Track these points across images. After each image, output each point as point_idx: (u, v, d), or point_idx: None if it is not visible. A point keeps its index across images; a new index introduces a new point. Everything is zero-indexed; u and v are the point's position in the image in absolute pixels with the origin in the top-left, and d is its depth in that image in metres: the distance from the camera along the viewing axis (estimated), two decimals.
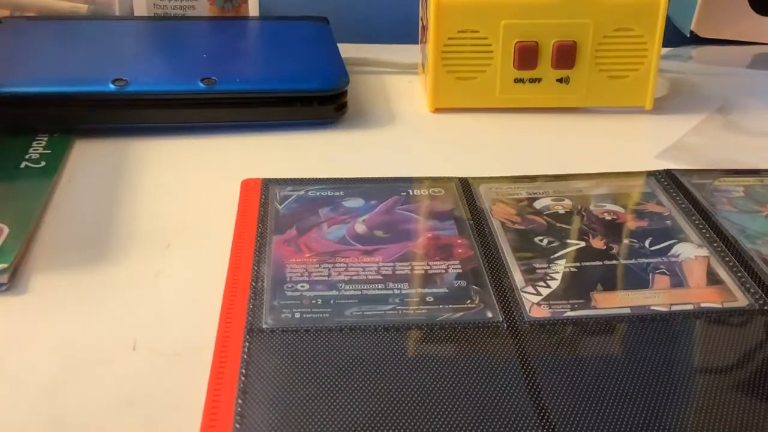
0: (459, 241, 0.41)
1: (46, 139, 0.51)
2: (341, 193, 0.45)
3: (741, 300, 0.37)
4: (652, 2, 0.55)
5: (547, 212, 0.44)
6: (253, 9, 0.66)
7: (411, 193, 0.45)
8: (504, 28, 0.55)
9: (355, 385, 0.31)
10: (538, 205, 0.45)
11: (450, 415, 0.30)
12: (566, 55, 0.56)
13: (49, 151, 0.49)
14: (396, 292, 0.37)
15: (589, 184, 0.47)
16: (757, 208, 0.45)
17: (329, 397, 0.31)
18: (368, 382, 0.32)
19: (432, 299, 0.37)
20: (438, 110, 0.58)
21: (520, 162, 0.51)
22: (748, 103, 0.61)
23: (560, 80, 0.57)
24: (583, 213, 0.44)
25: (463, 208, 0.44)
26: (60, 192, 0.46)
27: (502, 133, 0.55)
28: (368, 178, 0.47)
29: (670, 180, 0.47)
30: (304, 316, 0.35)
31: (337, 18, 0.67)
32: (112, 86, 0.52)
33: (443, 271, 0.39)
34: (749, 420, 0.30)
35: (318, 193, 0.45)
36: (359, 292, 0.37)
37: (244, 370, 0.32)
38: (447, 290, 0.37)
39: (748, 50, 0.73)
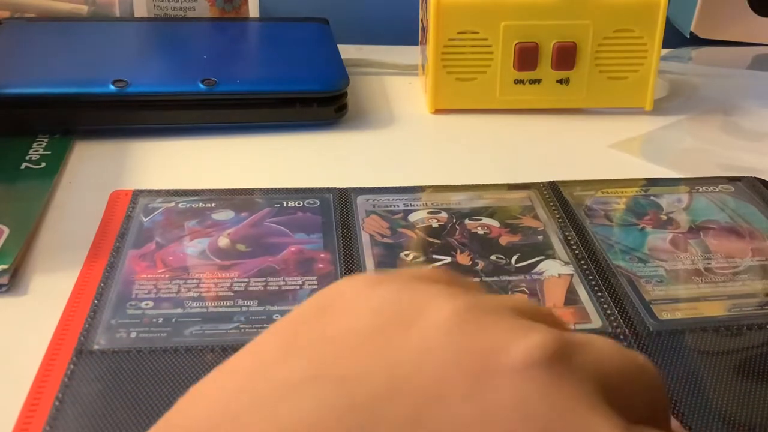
0: (322, 255, 0.39)
1: (46, 140, 0.51)
2: (212, 205, 0.43)
3: (595, 321, 0.35)
4: (651, 3, 0.55)
5: (420, 225, 0.42)
6: (253, 10, 0.66)
7: (284, 205, 0.43)
8: (504, 30, 0.55)
9: None
10: (412, 218, 0.43)
11: None
12: (566, 57, 0.56)
13: (50, 152, 0.49)
14: (243, 309, 0.35)
15: (470, 195, 0.45)
16: (634, 220, 0.43)
17: (147, 426, 0.28)
18: None
19: (279, 317, 0.33)
20: (438, 111, 0.58)
21: (520, 163, 0.51)
22: (748, 104, 0.61)
23: (560, 81, 0.57)
24: (457, 227, 0.42)
25: (335, 221, 0.42)
26: (60, 193, 0.46)
27: (502, 134, 0.55)
28: (244, 189, 0.45)
29: (551, 192, 0.46)
30: (140, 335, 0.33)
31: (337, 19, 0.67)
32: (112, 87, 0.52)
33: (298, 287, 0.37)
34: None
35: (188, 205, 0.43)
36: (204, 310, 0.35)
37: (60, 395, 0.30)
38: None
39: (748, 51, 0.73)
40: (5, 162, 0.48)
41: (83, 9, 0.67)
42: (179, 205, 0.43)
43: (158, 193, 0.45)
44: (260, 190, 0.45)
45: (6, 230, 0.40)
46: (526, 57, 0.56)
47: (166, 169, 0.49)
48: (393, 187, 0.46)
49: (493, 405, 0.18)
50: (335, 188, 0.45)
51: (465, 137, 0.55)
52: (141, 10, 0.66)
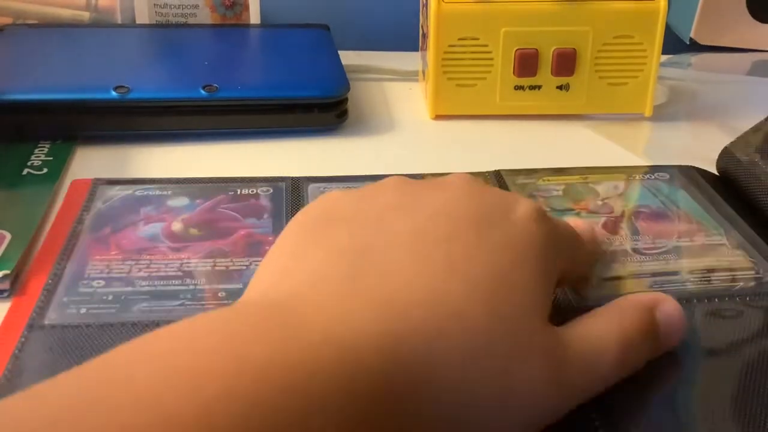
0: (270, 238, 0.41)
1: (48, 145, 0.51)
2: (168, 192, 0.45)
3: None
4: (651, 9, 0.55)
5: None
6: (254, 16, 0.67)
7: (239, 193, 0.45)
8: (504, 36, 0.55)
9: None
10: None
11: None
12: (566, 63, 0.56)
13: (51, 158, 0.50)
14: (191, 287, 0.36)
15: None
16: (571, 205, 0.44)
17: None
18: None
19: (224, 294, 0.36)
20: (438, 117, 0.58)
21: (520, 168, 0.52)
22: (747, 110, 0.62)
23: (560, 87, 0.57)
24: None
25: (286, 207, 0.43)
26: (62, 198, 0.46)
27: (502, 139, 0.56)
28: (202, 178, 0.46)
29: (495, 180, 0.47)
30: (90, 311, 0.35)
31: (338, 25, 0.67)
32: (114, 93, 0.52)
33: (245, 267, 0.38)
34: None
35: (145, 193, 0.44)
36: (153, 288, 0.36)
37: (10, 366, 0.31)
38: (242, 286, 0.37)
39: (747, 57, 0.73)
40: (7, 168, 0.48)
41: (85, 15, 0.67)
42: (136, 193, 0.44)
43: (117, 181, 0.46)
44: (216, 178, 0.46)
45: (8, 236, 0.41)
46: (526, 63, 0.56)
47: (167, 175, 0.49)
48: (343, 176, 0.47)
49: (511, 233, 0.29)
50: (288, 177, 0.47)
51: (465, 143, 0.55)
52: (142, 16, 0.66)
